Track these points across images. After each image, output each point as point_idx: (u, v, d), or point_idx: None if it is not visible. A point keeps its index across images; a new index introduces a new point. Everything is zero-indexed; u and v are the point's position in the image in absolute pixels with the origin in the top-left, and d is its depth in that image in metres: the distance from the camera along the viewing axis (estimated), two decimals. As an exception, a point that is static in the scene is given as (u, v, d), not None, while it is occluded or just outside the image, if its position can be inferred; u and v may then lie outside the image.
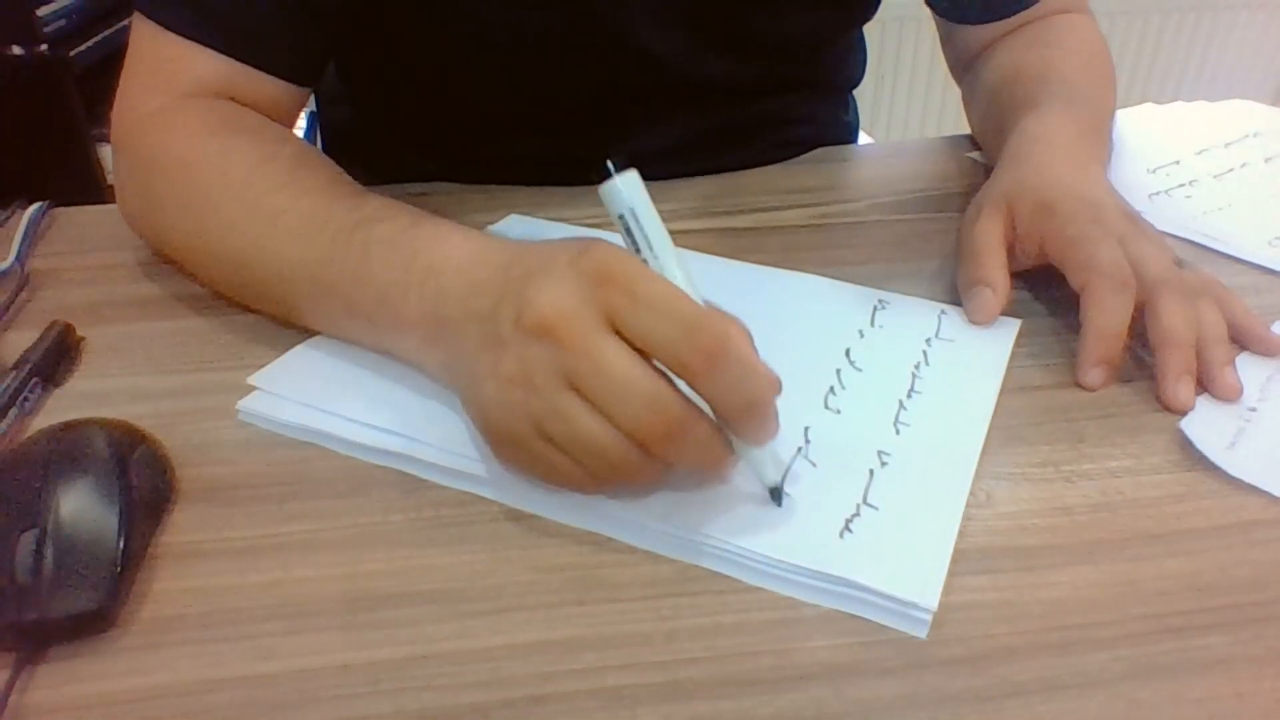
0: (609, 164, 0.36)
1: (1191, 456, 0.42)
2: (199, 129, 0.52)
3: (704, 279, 0.53)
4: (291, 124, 0.59)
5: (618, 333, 0.35)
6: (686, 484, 0.39)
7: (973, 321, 0.50)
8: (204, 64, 0.54)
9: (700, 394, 0.35)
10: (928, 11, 0.73)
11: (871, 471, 0.40)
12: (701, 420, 0.35)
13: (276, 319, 0.50)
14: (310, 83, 0.59)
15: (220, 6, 0.53)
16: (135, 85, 0.55)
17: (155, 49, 0.54)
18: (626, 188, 0.36)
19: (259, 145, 0.51)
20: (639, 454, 0.35)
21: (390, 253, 0.43)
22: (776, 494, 0.39)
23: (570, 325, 0.35)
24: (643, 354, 0.35)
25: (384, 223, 0.45)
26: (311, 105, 0.86)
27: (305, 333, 0.48)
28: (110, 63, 0.70)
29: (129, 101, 0.54)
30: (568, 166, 0.57)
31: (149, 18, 0.53)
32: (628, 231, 0.37)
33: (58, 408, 0.45)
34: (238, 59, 0.54)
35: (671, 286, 0.35)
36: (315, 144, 0.94)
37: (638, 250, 0.37)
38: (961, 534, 0.38)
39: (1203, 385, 0.46)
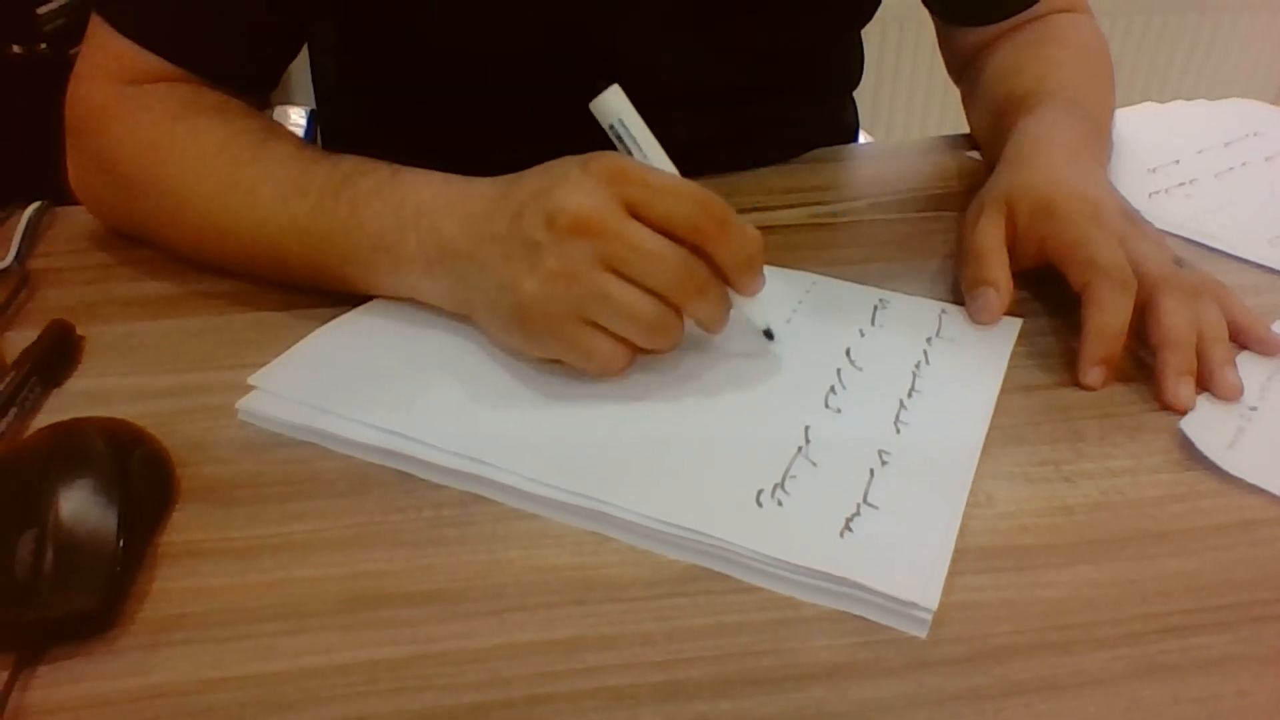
0: (601, 83, 0.44)
1: (1191, 456, 0.42)
2: (162, 113, 0.53)
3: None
4: None
5: (636, 219, 0.41)
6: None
7: (977, 322, 0.50)
8: (155, 63, 0.54)
9: (711, 255, 0.42)
10: (928, 12, 0.73)
11: (872, 471, 0.40)
12: (716, 278, 0.43)
13: (266, 279, 0.52)
14: (263, 91, 0.60)
15: (170, 15, 0.54)
16: (88, 77, 0.55)
17: (108, 44, 0.54)
18: (614, 100, 0.44)
19: (224, 122, 0.53)
20: (671, 315, 0.42)
21: (379, 201, 0.47)
22: (769, 333, 0.47)
23: (601, 218, 0.40)
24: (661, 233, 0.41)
25: (366, 175, 0.49)
26: (311, 104, 0.86)
27: (304, 332, 0.48)
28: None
29: (82, 92, 0.55)
30: None
31: (102, 16, 0.54)
32: (619, 138, 0.45)
33: (58, 407, 0.45)
34: (184, 68, 0.54)
35: (673, 175, 0.44)
36: (315, 144, 0.94)
37: (629, 153, 0.44)
38: (961, 534, 0.38)
39: (1203, 385, 0.46)
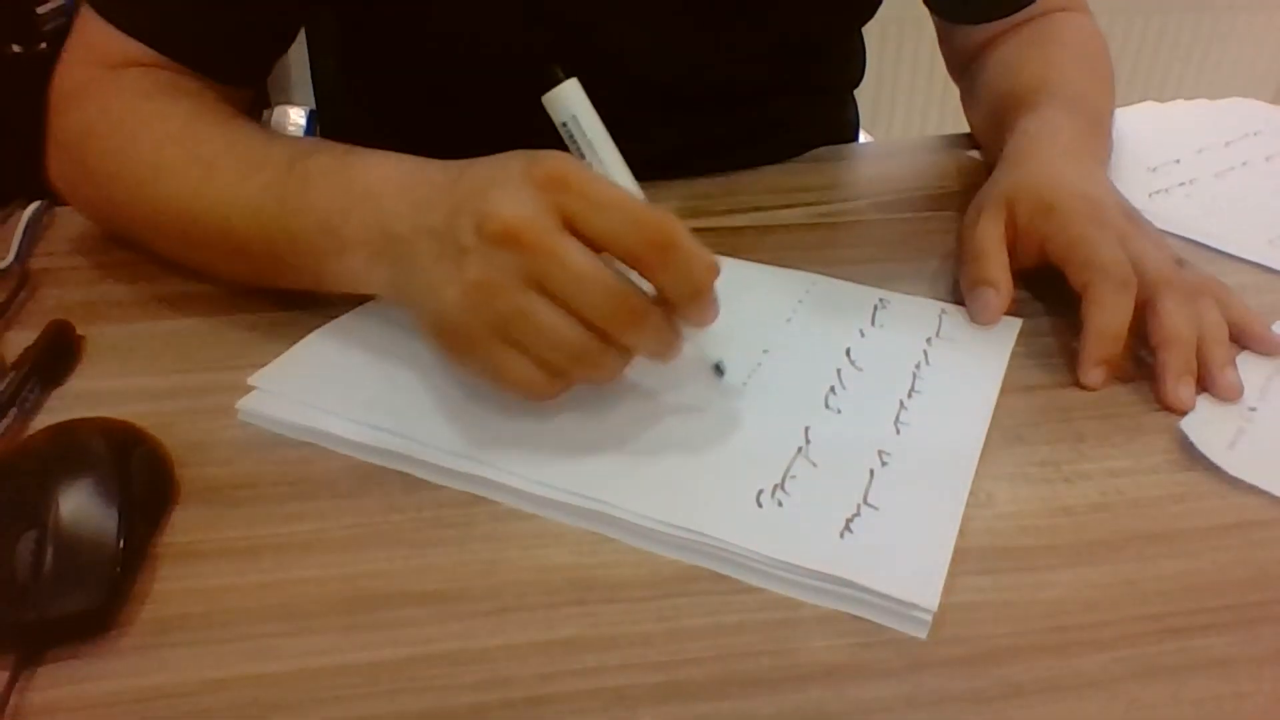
0: (556, 71, 0.40)
1: (1191, 456, 0.42)
2: (135, 92, 0.53)
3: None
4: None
5: (573, 234, 0.37)
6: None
7: (977, 322, 0.50)
8: (140, 50, 0.54)
9: (652, 282, 0.38)
10: (928, 11, 0.73)
11: (872, 471, 0.40)
12: (656, 306, 0.38)
13: (220, 273, 0.51)
14: (248, 85, 0.59)
15: (157, 3, 0.54)
16: (71, 61, 0.55)
17: (93, 30, 0.54)
18: (568, 95, 0.40)
19: (195, 104, 0.52)
20: (599, 343, 0.38)
21: (328, 181, 0.45)
22: (719, 369, 0.43)
23: (532, 229, 0.37)
24: (598, 252, 0.37)
25: (320, 154, 0.46)
26: (311, 104, 0.86)
27: (304, 332, 0.48)
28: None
29: (64, 75, 0.55)
30: None
31: (90, 3, 0.54)
32: (571, 138, 0.40)
33: (58, 407, 0.45)
34: (169, 57, 0.54)
35: (619, 188, 0.39)
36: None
37: (582, 155, 0.40)
38: (961, 534, 0.38)
39: (1203, 385, 0.45)
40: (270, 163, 0.47)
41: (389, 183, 0.43)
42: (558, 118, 0.40)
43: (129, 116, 0.52)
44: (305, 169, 0.46)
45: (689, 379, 0.45)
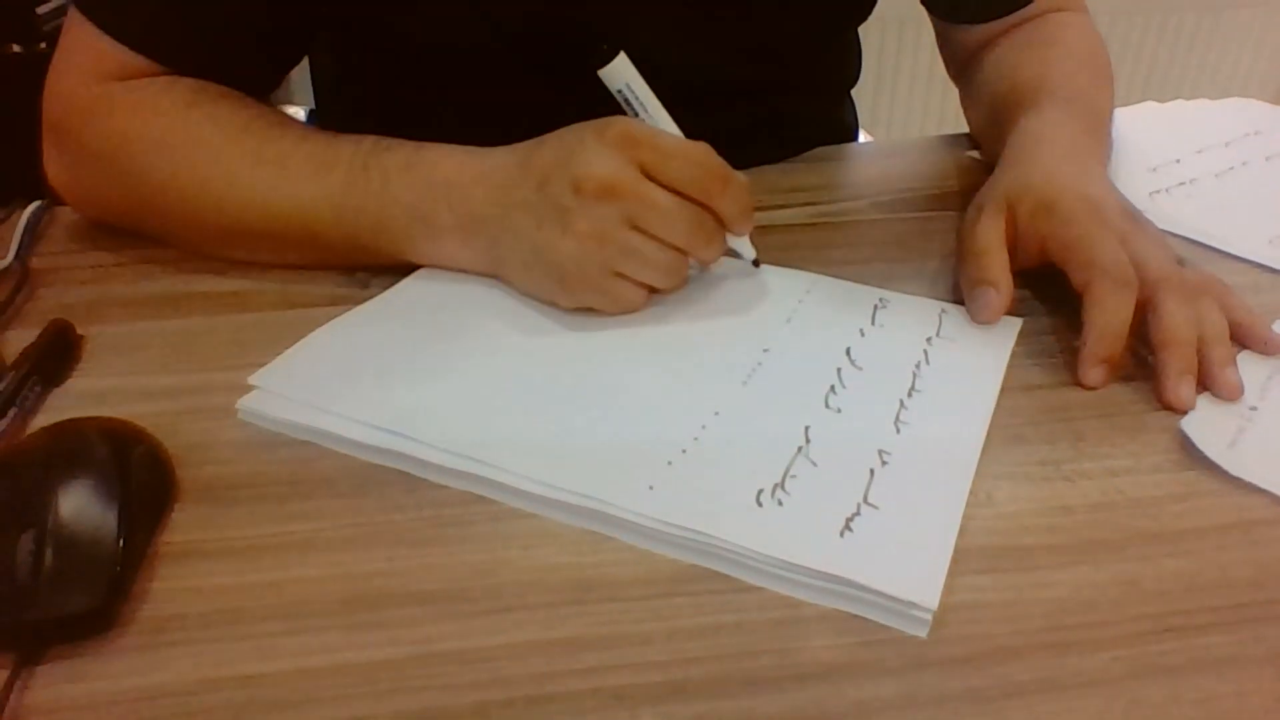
0: (605, 48, 0.49)
1: (1192, 456, 0.42)
2: (171, 104, 0.53)
3: (703, 277, 0.53)
4: None
5: (651, 180, 0.46)
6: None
7: (977, 321, 0.50)
8: (141, 62, 0.54)
9: (714, 207, 0.48)
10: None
11: (872, 471, 0.40)
12: (719, 226, 0.49)
13: (290, 262, 0.54)
14: (258, 94, 0.59)
15: (154, 16, 0.54)
16: (70, 73, 0.55)
17: (89, 42, 0.54)
18: (622, 68, 0.49)
19: (241, 108, 0.54)
20: (682, 260, 0.49)
21: (409, 174, 0.51)
22: (757, 263, 0.53)
23: (624, 182, 0.46)
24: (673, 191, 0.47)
25: (391, 151, 0.52)
26: (311, 104, 0.86)
27: (304, 331, 0.48)
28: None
29: (65, 88, 0.55)
30: None
31: (84, 14, 0.54)
32: (627, 101, 0.50)
33: (58, 407, 0.45)
34: (174, 70, 0.54)
35: (680, 138, 0.49)
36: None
37: (636, 114, 0.50)
38: (961, 534, 0.38)
39: (1203, 384, 0.45)
40: (342, 159, 0.51)
41: (466, 173, 0.50)
42: (613, 85, 0.49)
43: (177, 124, 0.53)
44: (382, 164, 0.51)
45: (690, 379, 0.45)
